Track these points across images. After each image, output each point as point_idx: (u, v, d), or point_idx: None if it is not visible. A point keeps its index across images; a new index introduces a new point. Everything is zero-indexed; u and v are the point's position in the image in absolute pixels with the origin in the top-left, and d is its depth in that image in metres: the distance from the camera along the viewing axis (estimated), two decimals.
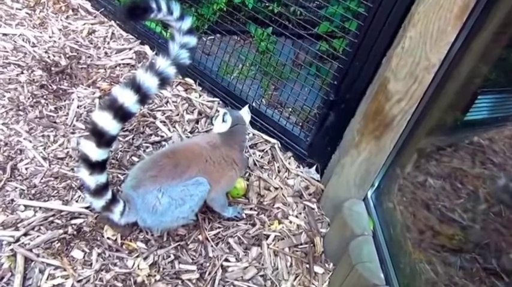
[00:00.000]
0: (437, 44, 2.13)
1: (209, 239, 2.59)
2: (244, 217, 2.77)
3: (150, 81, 2.17)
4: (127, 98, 2.14)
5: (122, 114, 2.15)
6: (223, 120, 2.62)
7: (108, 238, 2.46)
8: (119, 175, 2.79)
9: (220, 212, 2.67)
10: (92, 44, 3.80)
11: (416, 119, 2.39)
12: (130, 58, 3.73)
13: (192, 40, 2.34)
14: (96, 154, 2.17)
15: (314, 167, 3.16)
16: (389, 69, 2.33)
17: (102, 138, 2.15)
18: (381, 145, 2.50)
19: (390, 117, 2.38)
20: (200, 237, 2.59)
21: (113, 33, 3.96)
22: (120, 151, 2.95)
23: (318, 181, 3.10)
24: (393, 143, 2.48)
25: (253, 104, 3.36)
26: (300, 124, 3.36)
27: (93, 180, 2.23)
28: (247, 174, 3.02)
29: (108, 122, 2.13)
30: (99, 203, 2.32)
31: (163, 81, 2.22)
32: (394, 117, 2.37)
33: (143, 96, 2.17)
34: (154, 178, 2.36)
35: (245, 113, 2.76)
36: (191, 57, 2.32)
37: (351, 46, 2.66)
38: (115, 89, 2.17)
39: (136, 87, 2.15)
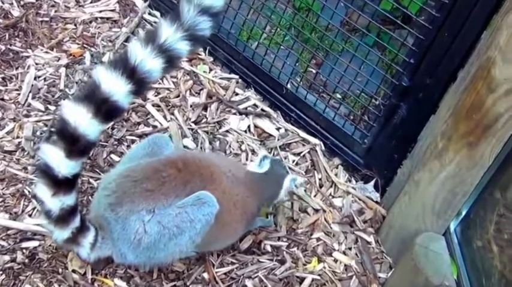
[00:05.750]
0: None
1: (218, 279, 2.60)
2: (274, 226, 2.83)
3: (151, 63, 2.12)
4: (116, 88, 2.09)
5: (106, 110, 2.11)
6: (259, 164, 2.65)
7: (73, 271, 2.47)
8: (91, 180, 2.82)
9: None
10: None
11: None
12: (112, 10, 3.75)
13: (217, 1, 2.23)
14: (65, 166, 2.15)
15: (372, 182, 3.15)
16: (494, 46, 2.30)
17: (74, 144, 2.13)
18: (476, 156, 2.48)
19: (493, 116, 2.36)
20: (205, 275, 2.60)
21: None
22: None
23: (377, 202, 3.09)
24: (494, 154, 2.45)
25: (288, 85, 3.37)
26: (354, 118, 3.34)
27: (57, 203, 2.23)
28: None
29: (85, 122, 2.10)
30: (62, 234, 2.33)
31: (171, 63, 2.17)
32: (498, 116, 2.34)
33: (140, 85, 2.13)
34: (150, 194, 2.36)
35: (286, 182, 2.72)
36: (214, 28, 2.26)
37: (438, 9, 2.63)
38: (97, 72, 2.12)
39: (130, 71, 2.09)
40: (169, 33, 2.14)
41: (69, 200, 2.24)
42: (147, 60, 2.11)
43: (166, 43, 2.13)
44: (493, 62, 2.31)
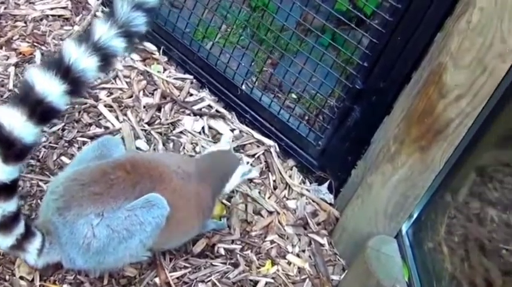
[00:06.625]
0: None
1: (171, 283, 2.57)
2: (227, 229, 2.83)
3: (85, 62, 2.09)
4: (50, 88, 2.05)
5: (41, 112, 2.06)
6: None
7: (21, 278, 2.42)
8: (41, 183, 2.76)
9: None
10: None
11: (481, 125, 2.41)
12: (64, 8, 3.69)
13: None
14: (2, 172, 2.10)
15: (326, 184, 3.16)
16: (446, 52, 2.32)
17: (10, 149, 2.07)
18: (427, 160, 2.51)
19: (444, 120, 2.38)
20: (157, 280, 2.58)
21: None
22: (44, 147, 2.91)
23: (331, 204, 3.10)
24: (445, 158, 2.49)
25: (243, 86, 3.36)
26: (308, 120, 3.35)
27: None
28: None
29: (19, 125, 2.04)
30: (7, 242, 2.28)
31: (107, 61, 2.14)
32: (449, 121, 2.38)
33: (75, 85, 2.09)
34: (98, 197, 2.32)
35: (238, 174, 2.72)
36: (150, 23, 2.23)
37: (392, 13, 2.64)
38: (30, 73, 2.08)
39: (64, 70, 2.06)
40: (103, 30, 2.11)
41: (10, 206, 2.19)
42: (82, 59, 2.07)
43: (101, 41, 2.10)
44: (444, 68, 2.33)
